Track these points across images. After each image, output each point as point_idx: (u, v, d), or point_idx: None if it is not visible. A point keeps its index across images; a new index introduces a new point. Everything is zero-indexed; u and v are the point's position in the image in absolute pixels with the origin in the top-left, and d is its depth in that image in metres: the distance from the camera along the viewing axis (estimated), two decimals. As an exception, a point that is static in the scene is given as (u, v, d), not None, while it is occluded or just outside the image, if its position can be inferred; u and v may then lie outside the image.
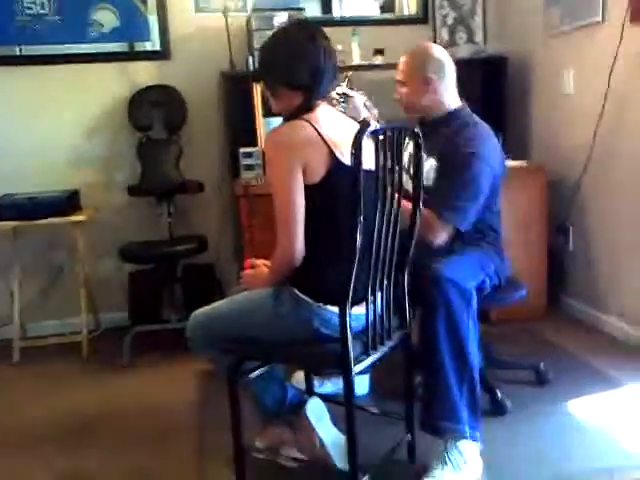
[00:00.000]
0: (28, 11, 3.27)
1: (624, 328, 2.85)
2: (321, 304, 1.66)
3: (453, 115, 2.18)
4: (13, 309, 3.16)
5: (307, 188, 1.63)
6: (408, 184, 1.92)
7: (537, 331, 3.02)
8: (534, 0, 3.33)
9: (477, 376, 1.87)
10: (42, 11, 3.28)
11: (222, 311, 1.81)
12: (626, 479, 1.82)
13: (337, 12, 3.58)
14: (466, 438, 1.83)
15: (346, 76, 2.66)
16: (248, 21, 3.32)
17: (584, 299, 3.16)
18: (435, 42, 3.62)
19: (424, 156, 1.82)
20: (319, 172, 1.62)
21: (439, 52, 2.18)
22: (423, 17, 3.67)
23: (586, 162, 3.00)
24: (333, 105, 2.09)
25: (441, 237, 2.04)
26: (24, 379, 2.90)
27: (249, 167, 2.98)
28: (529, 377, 2.47)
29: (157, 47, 3.42)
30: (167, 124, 3.39)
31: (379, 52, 3.37)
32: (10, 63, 3.28)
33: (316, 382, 2.31)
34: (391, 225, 1.66)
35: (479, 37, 3.69)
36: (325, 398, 2.04)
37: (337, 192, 1.62)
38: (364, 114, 2.22)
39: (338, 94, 2.23)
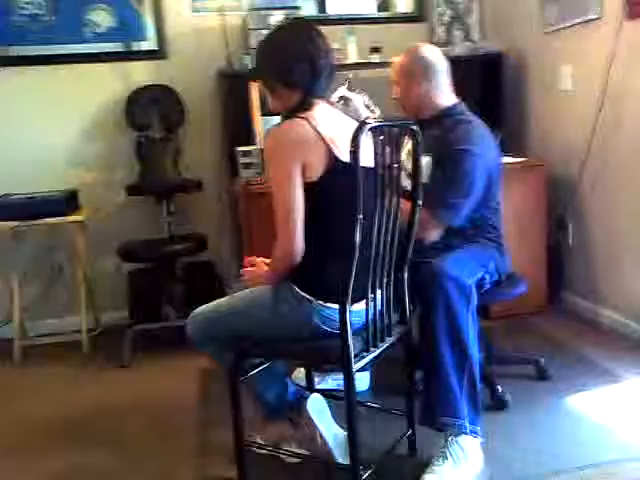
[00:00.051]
0: (23, 11, 3.26)
1: (623, 322, 2.87)
2: (321, 301, 1.67)
3: (447, 112, 2.19)
4: (13, 308, 3.16)
5: (306, 186, 1.64)
6: (406, 182, 1.92)
7: (537, 326, 3.03)
8: (530, -4, 3.35)
9: (477, 371, 1.88)
10: (37, 11, 3.27)
11: (222, 309, 1.82)
12: (626, 472, 1.83)
13: (333, 10, 3.58)
14: (466, 433, 1.83)
15: (346, 79, 2.67)
16: (244, 20, 3.33)
17: (584, 294, 3.18)
18: (432, 40, 3.64)
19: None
20: (318, 170, 1.63)
21: (430, 52, 2.21)
22: (419, 15, 3.68)
23: (585, 158, 3.01)
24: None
25: (433, 235, 2.06)
26: (25, 378, 2.91)
27: (247, 165, 2.98)
28: (529, 372, 2.48)
29: (154, 46, 3.42)
30: (165, 123, 3.40)
31: (376, 50, 3.38)
32: (6, 64, 3.27)
33: (317, 378, 2.33)
34: (390, 222, 1.67)
35: (476, 35, 3.70)
36: (326, 394, 2.05)
37: (336, 190, 1.63)
38: (365, 115, 2.23)
39: (338, 97, 2.24)
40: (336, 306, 1.62)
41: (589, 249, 3.11)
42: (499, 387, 2.25)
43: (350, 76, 2.80)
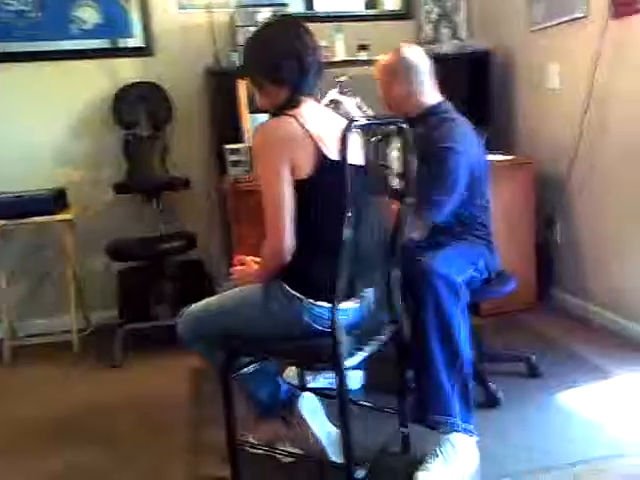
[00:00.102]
0: (9, 7, 3.23)
1: (612, 319, 2.89)
2: (311, 300, 1.66)
3: (432, 111, 2.21)
4: (2, 309, 3.14)
5: (295, 184, 1.64)
6: (394, 181, 1.93)
7: (527, 323, 3.05)
8: (518, -5, 3.36)
9: (468, 369, 1.89)
10: (23, 8, 3.24)
11: (212, 308, 1.81)
12: (616, 469, 1.85)
13: (321, 8, 3.57)
14: (458, 431, 1.84)
15: (338, 82, 2.68)
16: (232, 17, 3.31)
17: (572, 291, 3.20)
18: (419, 38, 3.66)
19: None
20: (306, 168, 1.63)
21: (412, 53, 2.23)
22: (407, 13, 3.68)
23: (572, 156, 3.03)
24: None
25: (418, 233, 2.07)
26: (15, 378, 2.89)
27: (236, 163, 2.97)
28: (521, 369, 2.50)
29: (140, 43, 3.39)
30: (152, 121, 3.38)
31: (363, 48, 3.38)
32: (-9, 60, 3.24)
33: (309, 377, 2.33)
34: (379, 219, 1.67)
35: (463, 33, 3.70)
36: (318, 393, 2.05)
37: (325, 187, 1.63)
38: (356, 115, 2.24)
39: (329, 101, 2.25)
40: (326, 304, 1.62)
41: (578, 246, 3.13)
42: (491, 384, 2.26)
43: (343, 79, 2.81)
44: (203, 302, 1.84)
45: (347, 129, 1.50)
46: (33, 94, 3.30)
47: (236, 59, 3.22)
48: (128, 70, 3.38)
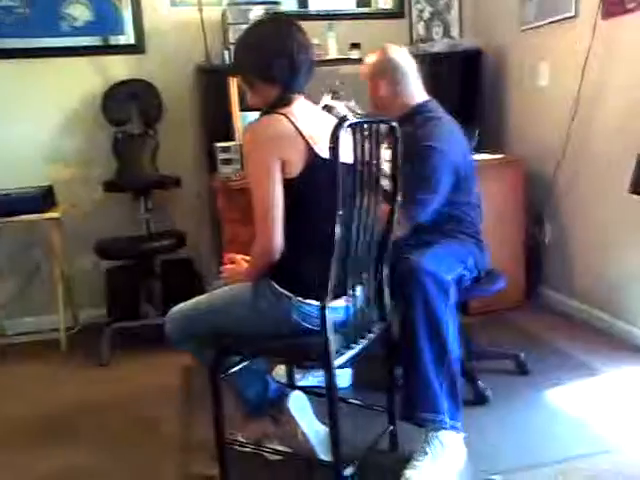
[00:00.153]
0: (-4, 3, 3.21)
1: (599, 317, 2.91)
2: (300, 298, 1.66)
3: (418, 110, 2.22)
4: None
5: (285, 182, 1.63)
6: (384, 182, 1.93)
7: (515, 322, 3.06)
8: (509, -6, 3.37)
9: (457, 367, 1.90)
10: (12, 4, 3.22)
11: (202, 306, 1.81)
12: (601, 465, 1.86)
13: (313, 6, 3.57)
14: (446, 428, 1.85)
15: (330, 90, 2.69)
16: (224, 15, 3.30)
17: (560, 289, 3.22)
18: (411, 36, 3.67)
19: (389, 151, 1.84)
20: (297, 166, 1.63)
21: (395, 54, 2.25)
22: (399, 11, 3.69)
23: (561, 155, 3.04)
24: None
25: (401, 231, 2.07)
26: (3, 377, 2.87)
27: (226, 161, 2.96)
28: (509, 367, 2.51)
29: (132, 41, 3.38)
30: (143, 119, 3.36)
31: (355, 46, 3.38)
32: (-20, 57, 3.21)
33: (298, 375, 2.33)
34: (370, 218, 1.67)
35: (455, 31, 3.72)
36: (307, 391, 2.05)
37: (315, 186, 1.63)
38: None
39: (322, 107, 2.26)
40: (316, 303, 1.62)
41: (566, 245, 3.15)
42: (480, 382, 2.27)
43: (337, 83, 2.83)
44: (192, 301, 1.83)
45: (338, 127, 1.50)
46: (23, 91, 3.28)
47: (227, 57, 3.21)
48: (119, 68, 3.36)
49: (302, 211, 1.67)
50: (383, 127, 1.75)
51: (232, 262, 1.90)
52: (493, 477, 1.82)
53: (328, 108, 2.31)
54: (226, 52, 3.22)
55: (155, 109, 3.36)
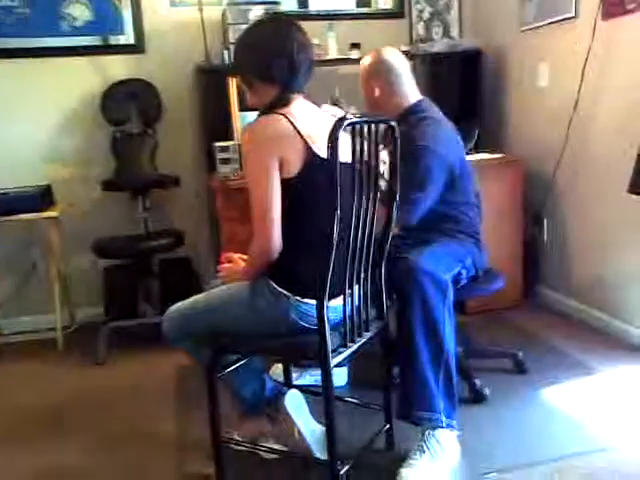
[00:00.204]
0: (-5, 3, 3.21)
1: (596, 316, 2.91)
2: (298, 297, 1.66)
3: (411, 110, 2.24)
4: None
5: (284, 182, 1.63)
6: (381, 183, 1.93)
7: (513, 320, 3.06)
8: (509, -5, 3.38)
9: (454, 365, 1.90)
10: (11, 3, 3.22)
11: (199, 305, 1.81)
12: (596, 462, 1.86)
13: (313, 6, 3.57)
14: (443, 427, 1.85)
15: (331, 98, 2.70)
16: (223, 14, 3.30)
17: (558, 288, 3.22)
18: (411, 36, 3.67)
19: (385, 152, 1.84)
20: (295, 166, 1.63)
21: (388, 56, 2.26)
22: (399, 11, 3.69)
23: (560, 155, 3.05)
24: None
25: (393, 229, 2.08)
26: (-1, 376, 2.87)
27: (225, 161, 2.97)
28: (506, 365, 2.51)
29: (131, 40, 3.38)
30: (142, 118, 3.37)
31: (355, 46, 3.38)
32: (-20, 56, 3.22)
33: (295, 374, 2.33)
34: (367, 218, 1.67)
35: (455, 31, 3.72)
36: (304, 390, 2.05)
37: (313, 185, 1.63)
38: None
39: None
40: (313, 302, 1.62)
41: (564, 244, 3.15)
42: (477, 381, 2.27)
43: (337, 93, 2.84)
44: (190, 300, 1.83)
45: (337, 127, 1.50)
46: (22, 90, 3.28)
47: (227, 57, 3.21)
48: (119, 67, 3.36)
49: (300, 210, 1.67)
50: (381, 127, 1.75)
51: (230, 261, 1.90)
52: (489, 475, 1.82)
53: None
54: (226, 52, 3.23)
55: (154, 109, 3.36)
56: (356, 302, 1.72)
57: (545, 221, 3.26)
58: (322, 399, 1.65)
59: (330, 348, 1.61)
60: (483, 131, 3.40)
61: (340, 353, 1.68)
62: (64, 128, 3.37)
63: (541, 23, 3.13)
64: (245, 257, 1.82)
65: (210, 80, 3.23)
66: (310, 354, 1.66)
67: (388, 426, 1.97)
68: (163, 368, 2.72)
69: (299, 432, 1.88)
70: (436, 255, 2.01)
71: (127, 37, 3.38)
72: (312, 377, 2.37)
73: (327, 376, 1.61)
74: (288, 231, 1.66)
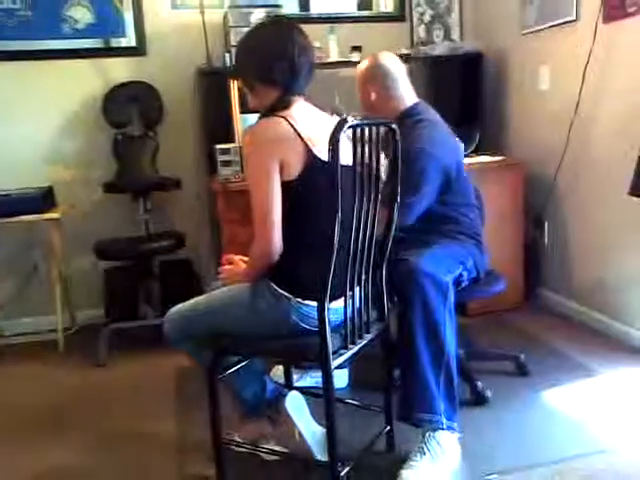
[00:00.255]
0: (-1, 6, 3.22)
1: (597, 318, 2.91)
2: (299, 299, 1.67)
3: (407, 113, 2.25)
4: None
5: (284, 184, 1.64)
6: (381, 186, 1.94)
7: (514, 323, 3.06)
8: (509, -2, 3.38)
9: (454, 367, 1.90)
10: (13, 6, 3.23)
11: (200, 307, 1.81)
12: (597, 464, 1.86)
13: (314, 9, 3.58)
14: (443, 429, 1.85)
15: (331, 108, 2.70)
16: (225, 17, 3.31)
17: (559, 291, 3.22)
18: (412, 39, 3.67)
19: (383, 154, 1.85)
20: (296, 168, 1.63)
21: (384, 60, 2.28)
22: (400, 14, 3.70)
23: (561, 157, 3.05)
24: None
25: None
26: (0, 378, 2.86)
27: (226, 163, 2.97)
28: (507, 368, 2.51)
29: (133, 43, 3.39)
30: (143, 121, 3.37)
31: (356, 49, 3.39)
32: (-19, 59, 3.23)
33: (295, 376, 2.33)
34: (368, 220, 1.67)
35: (456, 34, 3.73)
36: (304, 391, 2.06)
37: (314, 188, 1.63)
38: None
39: None
40: (314, 303, 1.62)
41: (565, 247, 3.15)
42: (479, 383, 2.27)
43: (337, 102, 2.85)
44: (191, 301, 1.83)
45: (337, 129, 1.50)
46: (24, 93, 3.29)
47: (228, 59, 3.22)
48: (120, 70, 3.37)
49: (301, 213, 1.67)
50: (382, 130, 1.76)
51: (230, 263, 1.91)
52: (490, 477, 1.82)
53: None
54: (227, 55, 3.23)
55: (156, 111, 3.37)
56: (357, 304, 1.72)
57: (546, 224, 3.26)
58: (323, 401, 1.65)
59: (331, 350, 1.61)
60: (484, 134, 3.41)
61: (341, 355, 1.69)
62: (66, 130, 3.37)
63: (542, 26, 3.14)
64: (246, 259, 1.82)
65: (211, 83, 3.24)
66: (311, 356, 1.67)
67: (389, 428, 1.97)
68: (164, 370, 2.72)
69: (300, 434, 1.88)
70: (437, 257, 2.01)
71: (128, 40, 3.38)
72: (313, 379, 2.37)
73: (328, 378, 1.62)
74: (289, 233, 1.66)
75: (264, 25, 1.83)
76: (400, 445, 1.96)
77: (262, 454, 1.93)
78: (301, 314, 1.67)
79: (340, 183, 1.50)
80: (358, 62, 3.27)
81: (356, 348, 1.74)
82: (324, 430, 1.74)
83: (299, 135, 1.63)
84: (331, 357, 1.61)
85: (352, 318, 1.71)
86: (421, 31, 3.71)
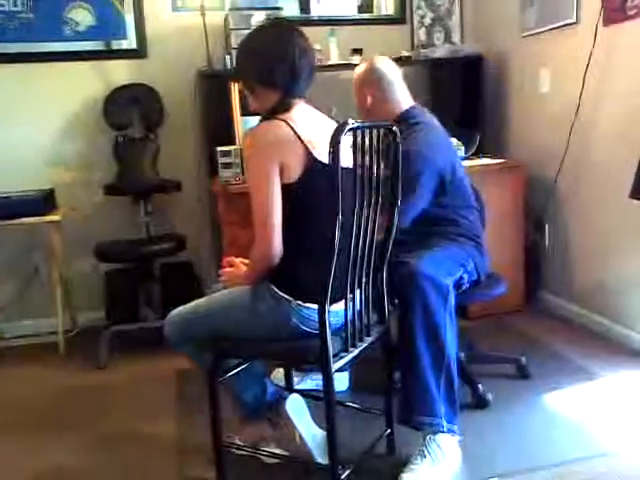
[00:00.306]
0: (0, 8, 3.22)
1: (598, 321, 2.91)
2: (300, 302, 1.67)
3: (403, 117, 2.26)
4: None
5: (284, 187, 1.64)
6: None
7: (515, 326, 3.06)
8: (510, 0, 3.38)
9: (455, 370, 1.90)
10: (15, 8, 3.23)
11: (201, 309, 1.81)
12: (597, 468, 1.86)
13: (315, 12, 3.58)
14: (444, 432, 1.85)
15: (329, 109, 2.70)
16: (226, 20, 3.32)
17: (560, 294, 3.22)
18: (413, 42, 3.68)
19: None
20: (296, 171, 1.63)
21: (380, 65, 2.29)
22: (401, 17, 3.70)
23: (561, 160, 3.05)
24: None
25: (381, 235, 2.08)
26: (1, 380, 2.86)
27: (227, 165, 2.97)
28: (508, 371, 2.51)
29: (134, 45, 3.39)
30: (144, 123, 3.38)
31: (357, 52, 3.39)
32: (-17, 61, 3.23)
33: (296, 378, 2.33)
34: (369, 222, 1.67)
35: (456, 37, 3.73)
36: (305, 394, 2.05)
37: (314, 190, 1.63)
38: None
39: None
40: (315, 306, 1.62)
41: (566, 250, 3.15)
42: (480, 386, 2.27)
43: (334, 110, 2.85)
44: (191, 304, 1.84)
45: (338, 132, 1.50)
46: (25, 95, 3.29)
47: (229, 62, 3.22)
48: (121, 72, 3.37)
49: (301, 215, 1.67)
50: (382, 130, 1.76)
51: (231, 265, 1.91)
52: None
53: None
54: (228, 57, 3.23)
55: (156, 113, 3.37)
56: (357, 307, 1.72)
57: (547, 226, 3.26)
58: (323, 404, 1.64)
59: (331, 353, 1.61)
60: (484, 136, 3.41)
61: (341, 358, 1.68)
62: (67, 132, 3.38)
63: (542, 29, 3.14)
64: (247, 261, 1.82)
65: (212, 85, 3.24)
66: (311, 358, 1.67)
67: (389, 431, 1.97)
68: (164, 372, 2.72)
69: (300, 437, 1.88)
70: (437, 259, 2.01)
71: (129, 42, 3.39)
72: (313, 381, 2.37)
73: (328, 380, 1.61)
74: (289, 236, 1.66)
75: (265, 28, 1.83)
76: (401, 448, 1.96)
77: (262, 457, 1.93)
78: (301, 317, 1.67)
79: (341, 186, 1.51)
80: (358, 65, 3.31)
81: (356, 351, 1.74)
82: (324, 433, 1.74)
83: (299, 138, 1.63)
84: (332, 360, 1.61)
85: (352, 321, 1.71)
86: (422, 34, 3.71)
